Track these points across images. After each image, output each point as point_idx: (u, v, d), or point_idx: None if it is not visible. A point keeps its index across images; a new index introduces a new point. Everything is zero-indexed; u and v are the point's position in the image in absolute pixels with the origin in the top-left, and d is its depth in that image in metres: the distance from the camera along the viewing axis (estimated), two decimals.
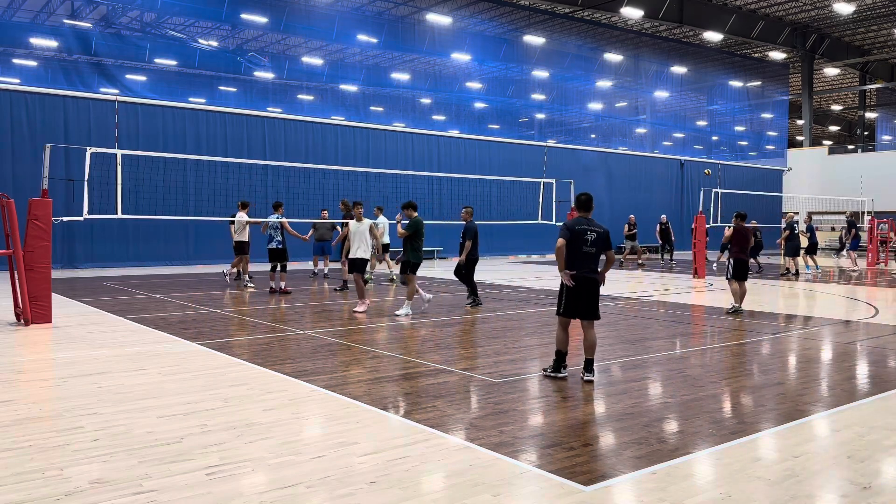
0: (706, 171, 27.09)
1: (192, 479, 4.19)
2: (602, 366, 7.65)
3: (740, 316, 11.44)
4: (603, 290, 7.44)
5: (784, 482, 4.26)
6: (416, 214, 11.54)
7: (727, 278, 11.95)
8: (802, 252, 20.52)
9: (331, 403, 5.95)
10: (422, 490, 4.14)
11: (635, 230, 24.15)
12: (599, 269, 7.03)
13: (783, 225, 20.53)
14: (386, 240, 18.37)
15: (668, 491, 4.11)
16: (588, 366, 6.85)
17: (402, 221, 12.47)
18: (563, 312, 6.94)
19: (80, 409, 5.68)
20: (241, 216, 15.21)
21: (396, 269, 19.18)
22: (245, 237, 15.40)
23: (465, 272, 12.47)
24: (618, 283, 17.82)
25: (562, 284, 6.96)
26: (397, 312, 11.21)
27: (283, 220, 14.39)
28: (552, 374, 6.91)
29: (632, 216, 24.70)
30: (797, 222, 20.88)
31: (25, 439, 4.90)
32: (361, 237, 11.65)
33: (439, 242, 26.33)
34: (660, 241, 24.79)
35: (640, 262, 23.97)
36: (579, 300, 6.87)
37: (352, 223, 11.92)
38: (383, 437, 5.03)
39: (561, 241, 6.88)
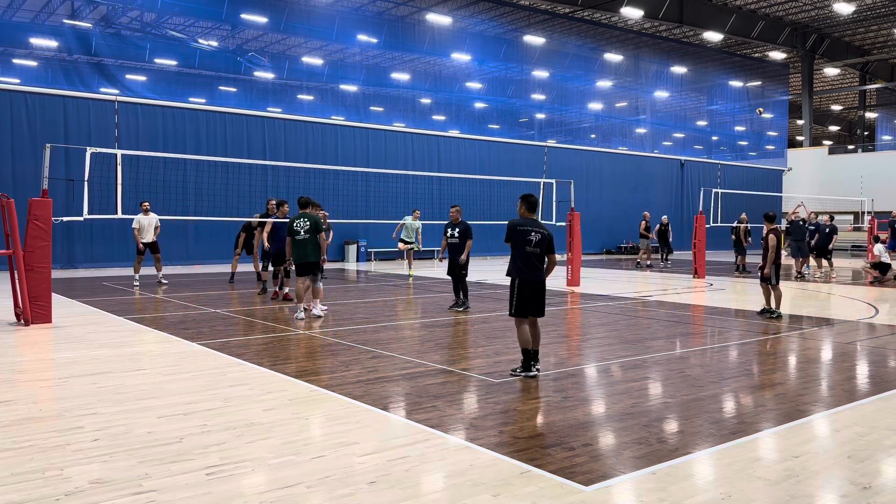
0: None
1: (192, 479, 4.19)
2: (602, 366, 7.66)
3: (782, 319, 11.16)
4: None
5: (784, 482, 4.26)
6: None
7: (773, 284, 11.43)
8: (813, 254, 20.36)
9: (331, 403, 5.95)
10: (422, 490, 4.14)
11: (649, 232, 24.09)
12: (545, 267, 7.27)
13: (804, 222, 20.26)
14: (412, 238, 18.80)
15: (668, 491, 4.11)
16: (534, 356, 7.07)
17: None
18: (515, 313, 7.08)
19: (80, 409, 5.68)
20: (149, 217, 15.33)
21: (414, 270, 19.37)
22: (146, 238, 15.38)
23: (463, 273, 11.97)
24: (618, 283, 17.83)
25: (512, 287, 7.13)
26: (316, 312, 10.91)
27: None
28: (522, 374, 6.94)
29: (646, 213, 24.55)
30: (803, 220, 20.63)
31: (25, 439, 4.90)
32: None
33: (439, 242, 26.34)
34: (657, 242, 24.62)
35: (638, 261, 23.89)
36: (529, 301, 7.07)
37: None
38: (383, 437, 5.03)
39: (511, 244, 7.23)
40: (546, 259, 7.21)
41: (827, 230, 19.89)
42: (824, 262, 19.81)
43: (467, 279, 12.13)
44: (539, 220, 7.35)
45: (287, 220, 12.89)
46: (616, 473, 4.38)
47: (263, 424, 5.29)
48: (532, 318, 7.14)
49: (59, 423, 5.32)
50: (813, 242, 19.98)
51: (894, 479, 4.50)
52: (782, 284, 12.11)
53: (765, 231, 11.90)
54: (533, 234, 7.09)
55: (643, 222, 24.02)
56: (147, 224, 15.34)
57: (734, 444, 4.95)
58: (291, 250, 10.96)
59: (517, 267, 7.08)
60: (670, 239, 24.11)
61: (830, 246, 19.87)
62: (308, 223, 10.87)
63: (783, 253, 19.37)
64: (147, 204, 15.61)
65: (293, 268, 11.32)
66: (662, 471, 4.42)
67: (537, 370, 7.03)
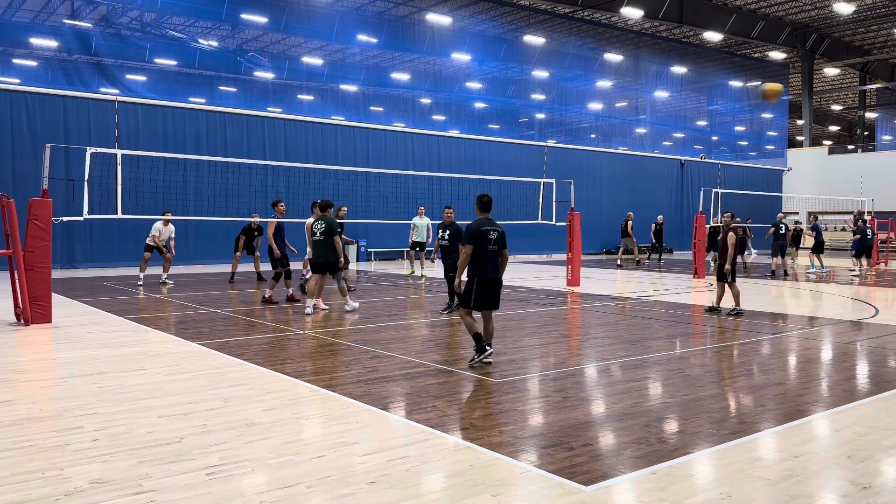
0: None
1: (192, 479, 4.19)
2: (602, 366, 7.66)
3: (742, 316, 11.44)
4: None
5: (784, 482, 4.26)
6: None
7: (729, 282, 11.70)
8: (809, 252, 20.67)
9: (331, 403, 5.95)
10: (422, 490, 4.14)
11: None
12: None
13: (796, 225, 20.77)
14: (423, 238, 18.76)
15: (668, 491, 4.11)
16: (486, 343, 7.50)
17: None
18: (473, 306, 7.47)
19: (80, 409, 5.68)
20: (169, 228, 15.71)
21: (424, 270, 19.30)
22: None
23: (451, 275, 11.51)
24: (618, 283, 17.83)
25: (470, 281, 7.46)
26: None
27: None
28: (479, 360, 7.34)
29: (660, 217, 25.02)
30: (785, 223, 20.93)
31: (25, 439, 4.89)
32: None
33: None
34: (653, 241, 24.94)
35: (636, 259, 24.05)
36: (486, 296, 7.47)
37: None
38: (383, 437, 5.03)
39: (469, 247, 7.39)
40: (500, 255, 7.59)
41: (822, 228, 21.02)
42: (863, 262, 20.11)
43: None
44: (490, 217, 7.65)
45: (282, 220, 13.30)
46: (616, 473, 4.38)
47: (263, 424, 5.29)
48: (487, 312, 7.59)
49: (59, 423, 5.32)
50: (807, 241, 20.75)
51: (894, 479, 4.50)
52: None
53: (726, 225, 12.08)
54: (491, 233, 7.46)
55: (654, 224, 24.32)
56: (166, 234, 15.67)
57: (734, 444, 4.95)
58: (310, 250, 11.65)
59: (478, 267, 7.40)
60: (663, 238, 24.54)
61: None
62: (323, 225, 11.32)
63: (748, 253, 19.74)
64: (169, 213, 15.85)
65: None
66: (662, 471, 4.42)
67: (488, 361, 7.44)
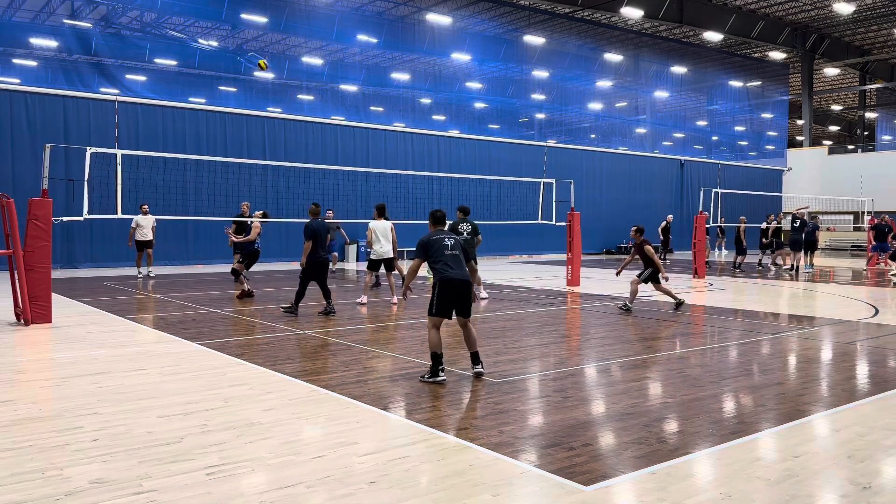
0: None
1: (192, 479, 4.19)
2: (602, 366, 7.66)
3: (631, 312, 11.76)
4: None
5: (784, 482, 4.26)
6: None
7: (638, 279, 12.22)
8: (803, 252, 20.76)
9: (331, 403, 5.95)
10: (422, 490, 4.14)
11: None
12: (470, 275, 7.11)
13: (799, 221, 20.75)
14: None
15: (668, 491, 4.11)
16: (475, 358, 6.90)
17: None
18: (435, 313, 6.80)
19: (80, 409, 5.68)
20: (147, 217, 17.24)
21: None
22: (146, 236, 17.47)
23: (301, 276, 11.25)
24: (618, 284, 17.83)
25: (434, 286, 6.91)
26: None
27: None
28: (430, 380, 6.62)
29: (669, 216, 25.31)
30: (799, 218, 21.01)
31: (25, 439, 4.89)
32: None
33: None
34: (661, 240, 25.08)
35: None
36: (451, 300, 6.83)
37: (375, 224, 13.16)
38: (383, 437, 5.03)
39: (416, 261, 7.00)
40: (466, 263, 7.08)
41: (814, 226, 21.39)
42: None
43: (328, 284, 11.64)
44: (445, 230, 7.31)
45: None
46: (616, 473, 4.38)
47: (263, 424, 5.29)
48: (462, 319, 6.93)
49: (59, 423, 5.32)
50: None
51: (894, 479, 4.50)
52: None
53: (638, 241, 12.53)
54: (447, 240, 7.00)
55: (665, 223, 24.45)
56: (145, 223, 17.19)
57: (734, 444, 4.95)
58: None
59: (440, 269, 6.85)
60: (670, 237, 24.63)
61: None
62: (469, 227, 12.76)
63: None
64: (146, 206, 17.28)
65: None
66: (662, 471, 4.42)
67: (479, 371, 6.85)
